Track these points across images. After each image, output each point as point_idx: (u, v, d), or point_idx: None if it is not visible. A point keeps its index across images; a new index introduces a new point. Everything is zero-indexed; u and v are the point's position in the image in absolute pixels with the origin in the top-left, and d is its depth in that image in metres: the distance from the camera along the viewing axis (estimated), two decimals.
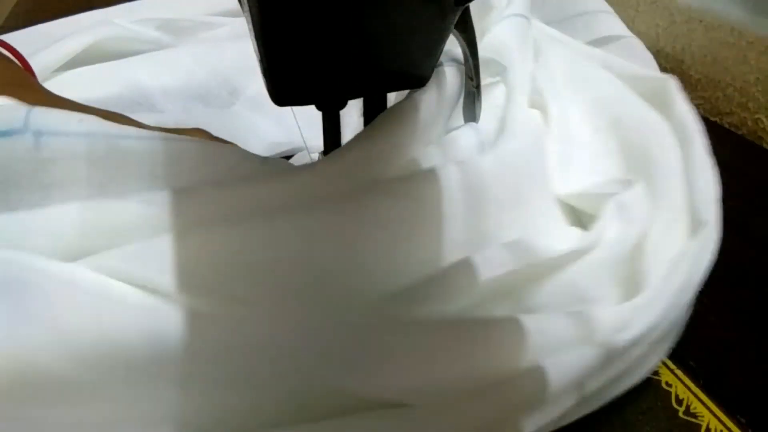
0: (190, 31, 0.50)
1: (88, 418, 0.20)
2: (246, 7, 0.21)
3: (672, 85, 0.32)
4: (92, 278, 0.20)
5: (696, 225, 0.27)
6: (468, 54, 0.26)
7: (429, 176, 0.24)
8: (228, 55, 0.46)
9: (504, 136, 0.27)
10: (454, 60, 0.27)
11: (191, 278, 0.20)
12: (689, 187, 0.28)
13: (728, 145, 0.44)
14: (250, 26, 0.21)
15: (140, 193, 0.21)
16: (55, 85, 0.36)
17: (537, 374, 0.21)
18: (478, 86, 0.26)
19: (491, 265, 0.23)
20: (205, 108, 0.44)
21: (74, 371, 0.19)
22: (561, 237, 0.26)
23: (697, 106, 0.35)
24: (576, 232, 0.28)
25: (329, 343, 0.21)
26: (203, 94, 0.44)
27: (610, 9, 0.43)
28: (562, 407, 0.22)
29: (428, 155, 0.25)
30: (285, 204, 0.22)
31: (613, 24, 0.42)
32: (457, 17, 0.23)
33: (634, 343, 0.23)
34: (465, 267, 0.23)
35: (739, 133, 0.49)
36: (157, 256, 0.20)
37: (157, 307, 0.20)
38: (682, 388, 0.26)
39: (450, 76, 0.26)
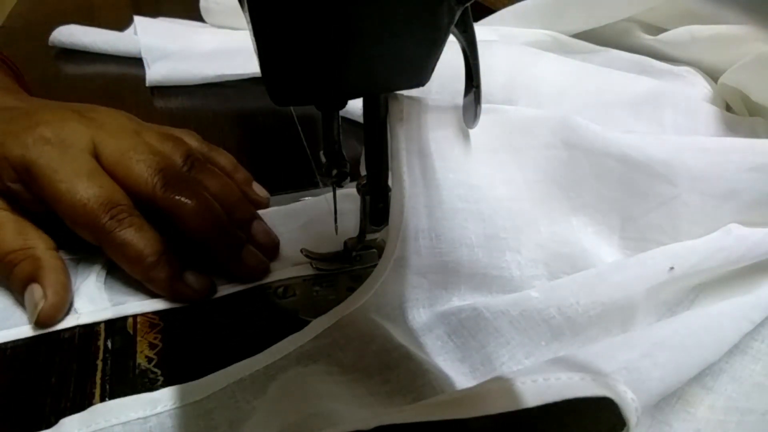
0: None
1: None
2: (245, 7, 0.21)
3: None
4: None
5: None
6: (468, 54, 0.26)
7: None
8: None
9: None
10: None
11: None
12: None
13: None
14: (249, 26, 0.21)
15: None
16: None
17: None
18: (477, 86, 0.26)
19: None
20: None
21: None
22: None
23: None
24: None
25: None
26: None
27: None
28: None
29: None
30: None
31: None
32: (457, 17, 0.23)
33: None
34: None
35: None
36: None
37: None
38: None
39: None
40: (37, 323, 0.28)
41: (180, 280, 0.30)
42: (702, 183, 0.29)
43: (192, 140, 0.38)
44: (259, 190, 0.39)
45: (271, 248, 0.34)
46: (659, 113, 0.39)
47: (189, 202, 0.31)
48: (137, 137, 0.33)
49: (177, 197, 0.31)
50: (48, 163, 0.29)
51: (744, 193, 0.29)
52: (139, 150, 0.32)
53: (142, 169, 0.31)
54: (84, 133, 0.31)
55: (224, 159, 0.39)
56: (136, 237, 0.29)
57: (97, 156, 0.31)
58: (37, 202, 0.30)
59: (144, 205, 0.31)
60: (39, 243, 0.30)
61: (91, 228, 0.29)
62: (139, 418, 0.24)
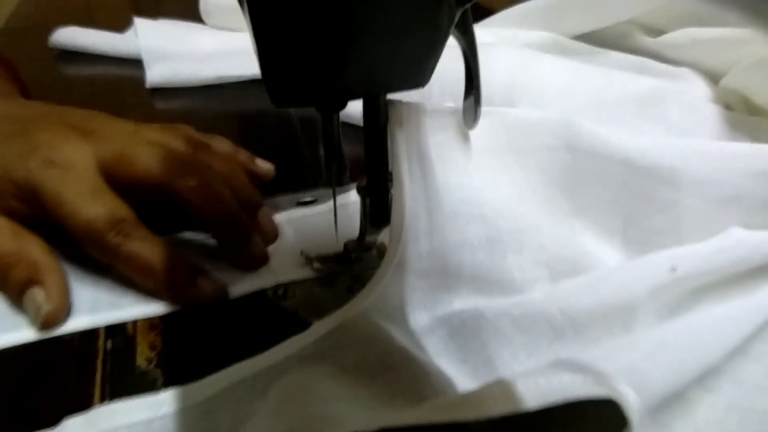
0: None
1: None
2: (245, 8, 0.21)
3: None
4: None
5: None
6: (468, 56, 0.26)
7: None
8: None
9: None
10: None
11: None
12: None
13: None
14: (249, 27, 0.21)
15: None
16: None
17: None
18: (477, 88, 0.26)
19: None
20: None
21: None
22: None
23: None
24: None
25: None
26: None
27: None
28: None
29: None
30: None
31: None
32: (457, 18, 0.23)
33: None
34: None
35: None
36: None
37: None
38: None
39: None
40: (43, 326, 0.28)
41: (194, 286, 0.30)
42: (705, 188, 0.29)
43: (189, 130, 0.39)
44: (262, 164, 0.40)
45: (272, 237, 0.34)
46: (664, 111, 0.39)
47: (198, 185, 0.31)
48: (135, 135, 0.34)
49: (185, 182, 0.31)
50: (53, 186, 0.29)
51: (747, 199, 0.29)
52: (138, 143, 0.32)
53: (144, 161, 0.32)
54: (85, 150, 0.31)
55: (224, 144, 0.39)
56: (143, 248, 0.29)
57: (101, 166, 0.31)
58: (39, 220, 0.30)
59: (154, 196, 0.31)
60: (35, 246, 0.30)
61: (98, 247, 0.29)
62: (142, 421, 0.24)
